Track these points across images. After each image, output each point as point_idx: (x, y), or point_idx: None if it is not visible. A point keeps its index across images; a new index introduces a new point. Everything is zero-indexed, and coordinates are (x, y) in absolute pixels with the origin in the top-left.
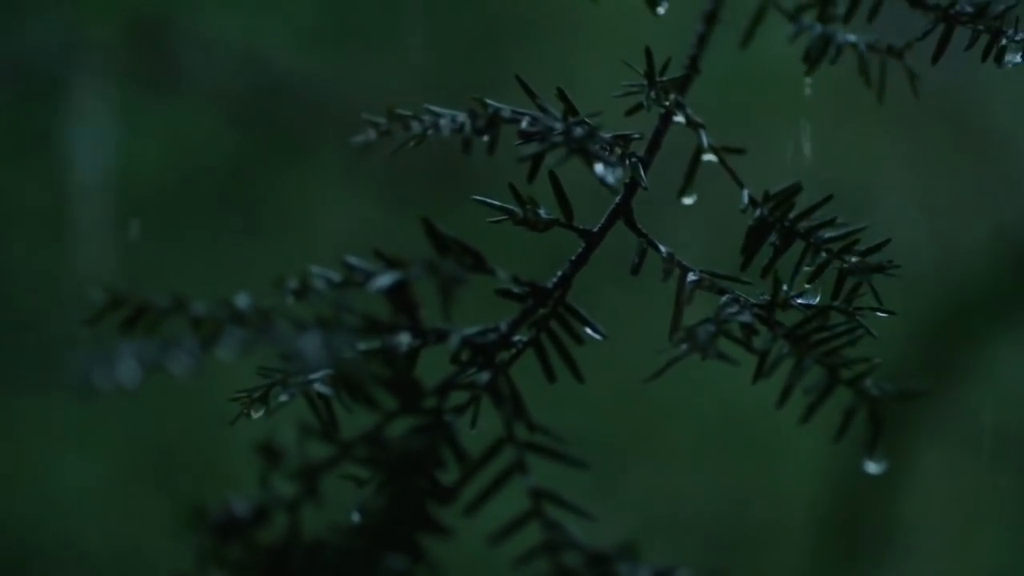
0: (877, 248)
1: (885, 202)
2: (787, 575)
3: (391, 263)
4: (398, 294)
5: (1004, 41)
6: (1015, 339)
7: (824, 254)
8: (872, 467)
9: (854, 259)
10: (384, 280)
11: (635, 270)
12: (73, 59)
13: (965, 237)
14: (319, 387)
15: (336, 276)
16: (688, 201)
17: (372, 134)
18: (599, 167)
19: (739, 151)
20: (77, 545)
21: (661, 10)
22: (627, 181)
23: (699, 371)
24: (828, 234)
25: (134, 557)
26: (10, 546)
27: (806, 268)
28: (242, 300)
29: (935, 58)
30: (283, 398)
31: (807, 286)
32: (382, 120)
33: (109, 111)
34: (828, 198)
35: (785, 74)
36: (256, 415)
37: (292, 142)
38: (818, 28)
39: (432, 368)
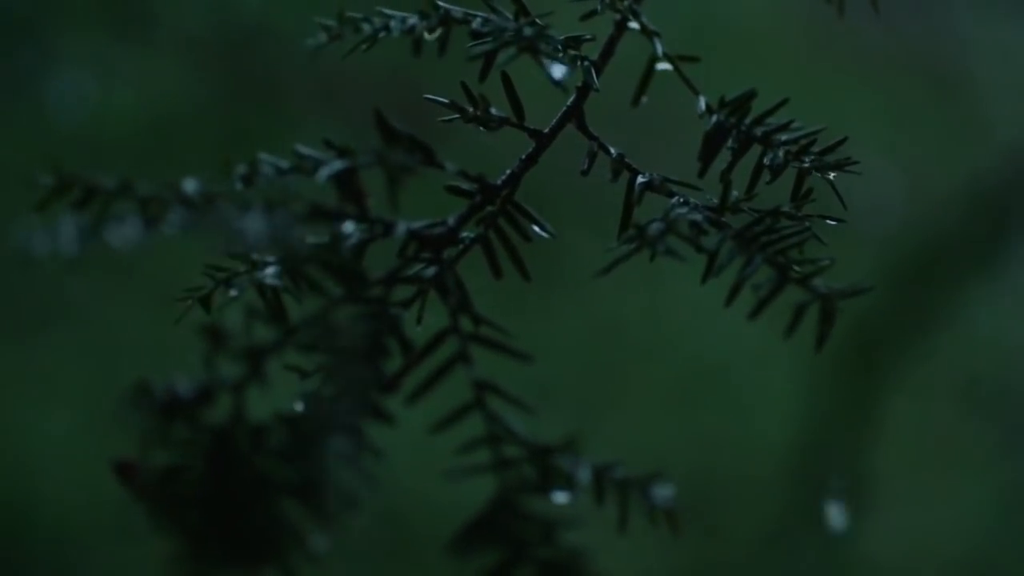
0: (834, 147)
1: (857, 153)
2: (758, 525)
3: (340, 152)
4: (345, 181)
5: None
6: (988, 288)
7: (781, 155)
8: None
9: (811, 158)
10: (332, 167)
11: (585, 172)
12: (45, 7)
13: (938, 186)
14: (269, 279)
15: (285, 163)
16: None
17: (323, 37)
18: (548, 65)
19: (694, 59)
20: (48, 498)
21: None
22: (579, 84)
23: (670, 323)
24: (785, 136)
25: (106, 509)
26: None
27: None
28: (190, 185)
29: None
30: (232, 293)
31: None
32: (333, 23)
33: (83, 59)
34: (784, 101)
35: (757, 29)
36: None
37: (264, 91)
38: None
39: (381, 266)
